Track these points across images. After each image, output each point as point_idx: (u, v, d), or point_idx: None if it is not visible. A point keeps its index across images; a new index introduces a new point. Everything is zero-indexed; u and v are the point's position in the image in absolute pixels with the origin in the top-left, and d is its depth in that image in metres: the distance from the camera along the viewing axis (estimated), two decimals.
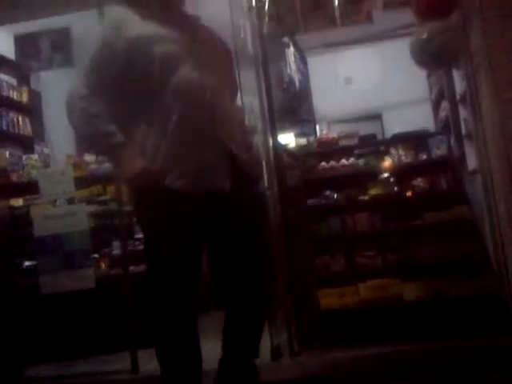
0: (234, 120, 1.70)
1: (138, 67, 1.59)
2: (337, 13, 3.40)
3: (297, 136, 4.04)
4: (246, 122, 2.07)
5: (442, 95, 3.81)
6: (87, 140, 1.70)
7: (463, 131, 3.35)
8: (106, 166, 4.28)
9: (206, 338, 1.83)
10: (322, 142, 3.73)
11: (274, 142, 2.76)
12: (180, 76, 1.59)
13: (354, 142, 3.64)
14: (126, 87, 1.62)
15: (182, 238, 1.61)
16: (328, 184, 3.44)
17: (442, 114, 3.85)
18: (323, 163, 3.49)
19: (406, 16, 3.04)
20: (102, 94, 1.62)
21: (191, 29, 1.71)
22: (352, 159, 3.50)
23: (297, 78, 4.25)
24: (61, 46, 4.69)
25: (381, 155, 3.54)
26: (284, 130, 3.84)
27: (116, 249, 3.84)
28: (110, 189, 4.05)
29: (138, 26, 1.62)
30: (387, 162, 3.47)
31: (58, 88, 4.74)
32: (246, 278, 1.67)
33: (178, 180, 1.59)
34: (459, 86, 3.28)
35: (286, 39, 4.02)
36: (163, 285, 1.67)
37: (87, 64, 1.68)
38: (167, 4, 1.71)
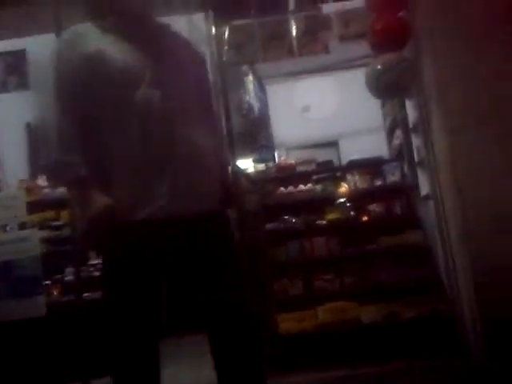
0: (202, 141, 1.55)
1: (95, 85, 1.48)
2: (294, 43, 3.50)
3: (256, 161, 4.07)
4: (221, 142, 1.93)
5: (395, 124, 3.94)
6: (49, 169, 1.55)
7: (416, 158, 3.47)
8: (60, 191, 4.19)
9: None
10: (280, 168, 3.78)
11: (233, 167, 2.78)
12: (140, 94, 1.46)
13: (312, 167, 3.71)
14: (88, 107, 1.49)
15: (143, 272, 1.48)
16: (286, 209, 3.47)
17: (396, 141, 3.97)
18: (282, 188, 3.53)
19: (362, 47, 3.16)
20: (72, 116, 1.49)
21: (159, 41, 1.57)
22: (310, 185, 3.56)
23: (256, 105, 4.31)
24: (16, 68, 4.60)
25: (338, 181, 3.61)
26: (243, 155, 3.87)
27: (69, 275, 3.73)
28: (64, 214, 3.96)
29: (95, 40, 1.50)
30: (344, 188, 3.54)
31: (12, 111, 4.66)
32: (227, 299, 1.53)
33: (141, 210, 1.45)
34: (412, 115, 3.41)
35: (245, 67, 4.09)
36: (120, 316, 1.56)
37: (53, 85, 1.57)
38: (131, 15, 1.57)
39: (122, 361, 1.56)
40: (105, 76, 1.46)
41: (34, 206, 3.79)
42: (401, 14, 2.87)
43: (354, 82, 3.37)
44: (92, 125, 1.50)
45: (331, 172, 3.73)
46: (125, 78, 1.46)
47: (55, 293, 3.65)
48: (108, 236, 1.45)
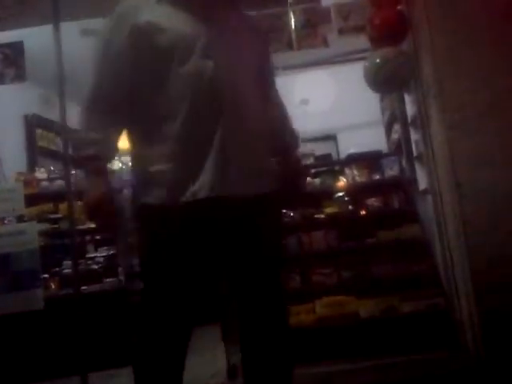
0: (257, 118, 1.46)
1: (145, 57, 1.41)
2: (293, 36, 3.48)
3: None
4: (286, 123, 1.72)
5: (394, 118, 3.93)
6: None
7: (414, 153, 3.47)
8: (58, 184, 4.19)
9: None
10: None
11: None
12: (190, 66, 1.38)
13: (310, 161, 3.71)
14: (134, 79, 1.43)
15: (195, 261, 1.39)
16: None
17: (394, 136, 3.97)
18: None
19: (361, 41, 3.15)
20: (113, 87, 1.43)
21: (217, 12, 1.49)
22: (308, 178, 3.55)
23: None
24: (14, 60, 4.57)
25: (336, 174, 3.61)
26: None
27: (67, 268, 3.73)
28: (62, 207, 3.95)
29: (148, 12, 1.43)
30: (342, 182, 3.54)
31: (9, 103, 4.65)
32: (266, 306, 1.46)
33: (194, 188, 1.36)
34: (410, 109, 3.40)
35: None
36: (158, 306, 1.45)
37: (95, 56, 1.49)
38: None
39: (152, 346, 1.49)
40: (154, 48, 1.40)
41: (32, 199, 3.79)
42: (399, 7, 2.86)
43: (353, 75, 3.35)
44: (140, 98, 1.44)
45: (329, 166, 3.73)
46: (175, 50, 1.40)
47: (53, 286, 3.66)
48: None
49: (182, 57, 1.39)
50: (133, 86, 1.44)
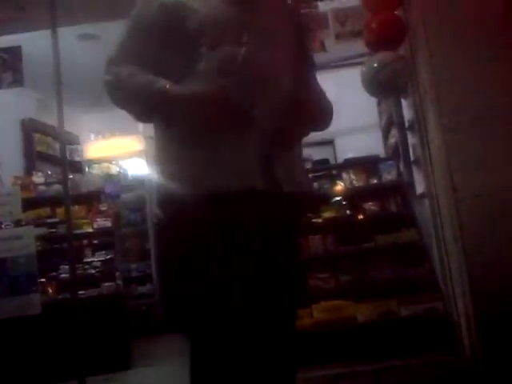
0: (289, 108, 1.33)
1: (171, 36, 1.32)
2: None
3: None
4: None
5: (391, 122, 3.94)
6: (133, 100, 1.34)
7: (412, 157, 3.47)
8: (56, 188, 4.18)
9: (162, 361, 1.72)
10: None
11: None
12: (221, 51, 1.29)
13: (308, 165, 3.71)
14: (161, 59, 1.34)
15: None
16: None
17: (392, 140, 3.98)
18: None
19: (358, 46, 3.16)
20: (139, 63, 1.34)
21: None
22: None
23: None
24: (11, 65, 4.57)
25: (333, 179, 3.62)
26: None
27: (64, 273, 3.73)
28: (60, 211, 3.95)
29: None
30: (340, 186, 3.54)
31: (7, 108, 4.65)
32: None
33: (220, 181, 1.25)
34: (408, 113, 3.41)
35: None
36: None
37: (123, 30, 1.40)
38: None
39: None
40: (183, 29, 1.31)
41: (29, 203, 3.79)
42: (396, 12, 2.88)
43: (350, 80, 3.36)
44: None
45: (327, 170, 3.73)
46: (205, 33, 1.31)
47: (50, 290, 3.65)
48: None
49: (212, 40, 1.30)
50: (159, 66, 1.34)
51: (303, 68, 1.50)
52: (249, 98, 1.28)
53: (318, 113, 1.45)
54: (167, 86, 1.28)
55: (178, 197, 1.27)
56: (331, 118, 1.54)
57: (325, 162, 3.92)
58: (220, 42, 1.30)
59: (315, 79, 1.57)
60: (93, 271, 4.03)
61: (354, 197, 3.49)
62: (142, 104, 1.33)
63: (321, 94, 1.55)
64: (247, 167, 1.28)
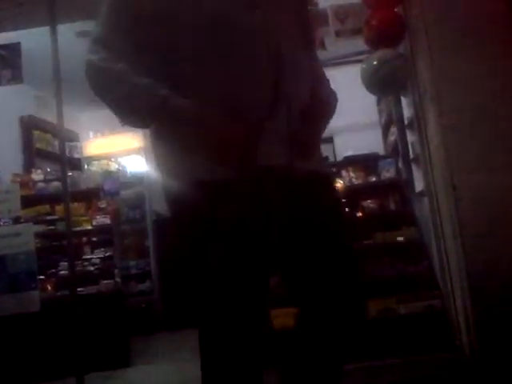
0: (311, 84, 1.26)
1: (176, 12, 1.17)
2: None
3: None
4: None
5: (390, 120, 3.94)
6: (125, 103, 1.18)
7: (411, 155, 3.47)
8: (55, 185, 4.18)
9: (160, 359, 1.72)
10: None
11: None
12: (238, 23, 1.17)
13: None
14: (162, 42, 1.19)
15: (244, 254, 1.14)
16: None
17: (391, 138, 3.98)
18: None
19: (358, 43, 3.16)
20: (122, 38, 1.20)
21: None
22: None
23: None
24: (11, 61, 4.57)
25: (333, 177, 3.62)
26: None
27: (63, 270, 3.73)
28: (59, 208, 3.95)
29: None
30: (339, 184, 3.54)
31: (6, 105, 4.64)
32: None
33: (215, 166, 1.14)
34: (407, 111, 3.41)
35: None
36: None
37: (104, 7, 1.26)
38: None
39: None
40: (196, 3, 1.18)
41: (28, 200, 3.80)
42: (396, 9, 2.87)
43: (350, 77, 3.36)
44: (152, 47, 1.21)
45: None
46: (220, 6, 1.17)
47: (49, 288, 3.66)
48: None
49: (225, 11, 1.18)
50: (159, 49, 1.21)
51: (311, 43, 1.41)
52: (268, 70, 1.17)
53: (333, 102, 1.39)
54: (171, 96, 1.14)
55: (205, 182, 1.15)
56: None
57: (324, 159, 3.92)
58: (232, 11, 1.17)
59: (316, 55, 1.51)
60: (92, 268, 4.03)
61: (354, 194, 3.49)
62: (135, 106, 1.17)
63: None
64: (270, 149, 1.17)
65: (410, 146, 3.50)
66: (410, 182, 3.51)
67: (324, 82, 1.42)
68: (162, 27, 1.18)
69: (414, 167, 3.48)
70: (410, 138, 3.45)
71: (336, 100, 1.43)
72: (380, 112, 4.67)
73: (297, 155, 1.21)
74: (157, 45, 1.20)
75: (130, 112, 1.20)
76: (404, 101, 3.48)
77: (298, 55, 1.26)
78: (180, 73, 1.19)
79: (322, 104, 1.33)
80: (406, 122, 3.48)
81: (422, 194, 3.22)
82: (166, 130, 1.20)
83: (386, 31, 2.78)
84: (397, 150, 3.70)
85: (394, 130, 3.82)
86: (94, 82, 1.23)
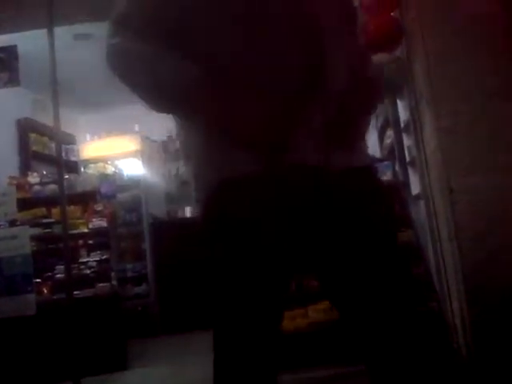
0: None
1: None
2: None
3: None
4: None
5: (387, 123, 3.95)
6: (156, 86, 1.07)
7: (407, 158, 3.48)
8: (51, 188, 4.17)
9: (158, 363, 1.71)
10: None
11: None
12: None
13: None
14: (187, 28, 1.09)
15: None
16: None
17: (388, 141, 3.99)
18: None
19: None
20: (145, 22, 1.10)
21: None
22: None
23: None
24: (8, 64, 4.56)
25: None
26: None
27: (59, 273, 3.72)
28: (55, 211, 3.94)
29: None
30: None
31: (2, 107, 4.63)
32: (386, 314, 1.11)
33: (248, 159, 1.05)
34: (403, 114, 3.42)
35: None
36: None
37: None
38: None
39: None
40: None
41: (24, 203, 3.78)
42: (393, 14, 2.89)
43: None
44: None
45: None
46: None
47: (46, 291, 3.64)
48: None
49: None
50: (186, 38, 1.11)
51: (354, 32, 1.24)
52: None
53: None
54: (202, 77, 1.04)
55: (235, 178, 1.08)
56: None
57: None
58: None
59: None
60: (88, 271, 4.02)
61: None
62: (167, 87, 1.06)
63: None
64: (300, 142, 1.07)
65: (406, 149, 3.51)
66: (406, 185, 3.51)
67: (369, 58, 1.30)
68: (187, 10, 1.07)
69: (410, 170, 3.49)
70: (407, 140, 3.46)
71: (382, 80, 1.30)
72: (376, 115, 4.68)
73: (334, 148, 1.09)
74: (183, 25, 1.09)
75: (166, 91, 1.07)
76: (400, 104, 3.49)
77: (338, 29, 1.12)
78: (210, 56, 1.08)
79: (368, 83, 1.19)
80: (402, 124, 3.49)
81: (418, 197, 3.23)
82: (195, 123, 1.11)
83: (382, 35, 2.80)
84: (393, 153, 3.71)
85: (390, 133, 3.83)
86: (119, 65, 1.12)
